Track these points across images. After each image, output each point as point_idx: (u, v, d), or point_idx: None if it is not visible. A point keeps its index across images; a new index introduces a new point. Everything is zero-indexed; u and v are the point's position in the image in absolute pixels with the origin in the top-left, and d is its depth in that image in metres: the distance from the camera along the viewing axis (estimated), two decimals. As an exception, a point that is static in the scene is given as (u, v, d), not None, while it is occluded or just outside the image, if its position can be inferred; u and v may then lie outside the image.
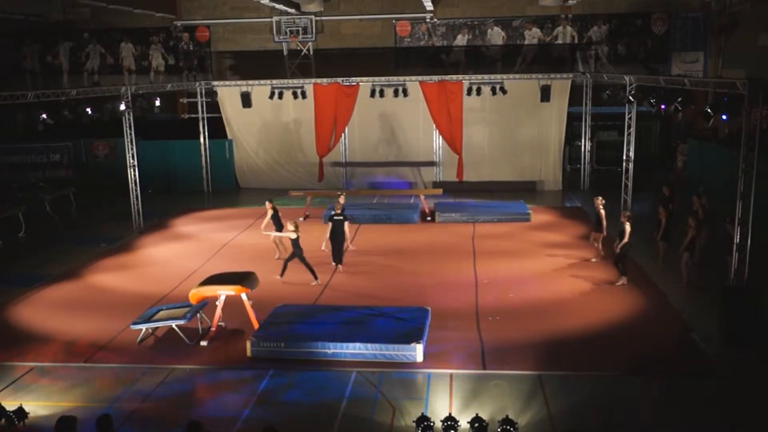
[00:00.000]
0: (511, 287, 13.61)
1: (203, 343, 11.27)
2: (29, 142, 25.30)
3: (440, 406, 9.04)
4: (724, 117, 12.62)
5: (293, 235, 13.95)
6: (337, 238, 14.98)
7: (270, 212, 15.75)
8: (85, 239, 18.11)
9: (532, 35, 23.95)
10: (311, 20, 24.82)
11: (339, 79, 23.16)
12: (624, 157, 18.27)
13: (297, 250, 14.02)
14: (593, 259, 15.20)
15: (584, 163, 23.84)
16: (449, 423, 7.93)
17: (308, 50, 25.19)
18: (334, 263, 15.08)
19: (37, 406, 9.18)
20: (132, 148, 19.05)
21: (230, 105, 24.40)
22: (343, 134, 23.93)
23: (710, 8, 23.77)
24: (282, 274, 14.22)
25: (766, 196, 11.70)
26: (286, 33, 24.91)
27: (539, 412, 8.85)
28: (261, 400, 9.47)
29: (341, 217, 15.07)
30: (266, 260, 15.70)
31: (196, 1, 25.81)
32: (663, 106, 17.20)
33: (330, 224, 15.10)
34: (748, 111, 10.83)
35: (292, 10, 24.01)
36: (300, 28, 24.87)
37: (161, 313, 11.71)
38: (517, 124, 23.53)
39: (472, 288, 13.65)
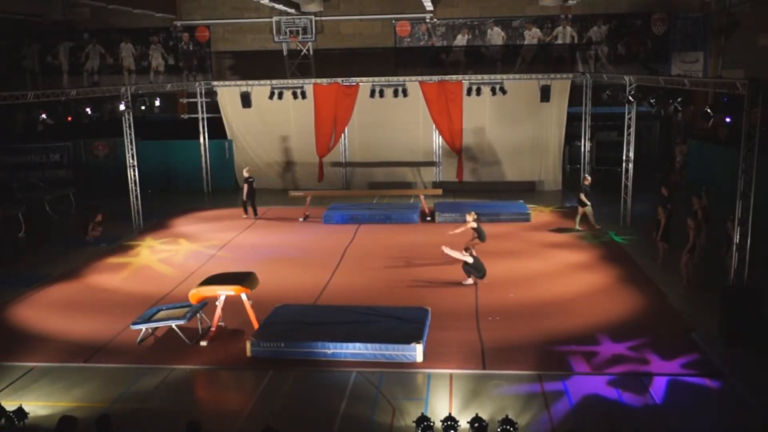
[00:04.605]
0: (511, 287, 13.62)
1: (203, 343, 11.27)
2: (29, 142, 25.29)
3: (440, 406, 9.03)
4: (727, 119, 12.60)
5: None
6: (251, 195, 19.85)
7: None
8: (85, 239, 18.08)
9: (532, 35, 23.95)
10: (311, 20, 24.81)
11: (339, 79, 23.17)
12: (624, 158, 18.26)
13: None
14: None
15: (584, 164, 23.82)
16: (449, 423, 7.93)
17: (308, 50, 25.19)
18: (254, 217, 19.85)
19: (37, 406, 9.17)
20: (132, 148, 19.04)
21: (230, 105, 24.40)
22: (342, 134, 23.95)
23: (710, 8, 23.76)
24: None
25: (766, 196, 11.71)
26: (286, 33, 24.89)
27: (539, 412, 8.85)
28: (261, 400, 9.48)
29: (252, 179, 19.97)
30: (266, 260, 15.72)
31: (195, 1, 25.79)
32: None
33: (246, 186, 19.76)
34: (747, 111, 10.82)
35: (292, 10, 24.00)
36: (300, 28, 24.85)
37: (161, 314, 11.71)
38: (517, 124, 23.52)
39: (472, 288, 13.65)
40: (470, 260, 13.69)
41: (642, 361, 10.26)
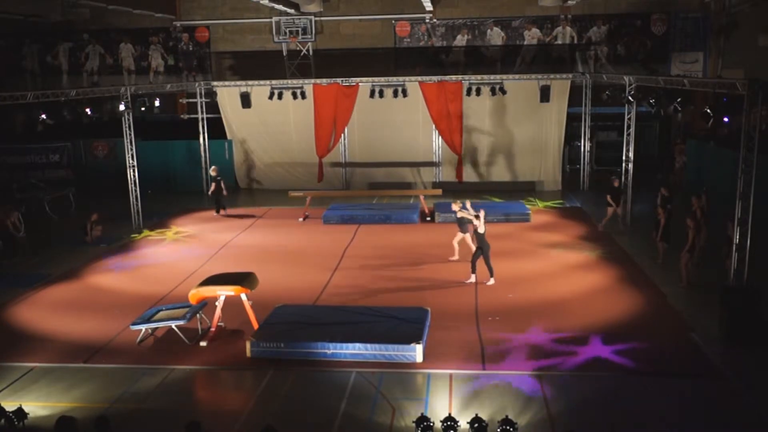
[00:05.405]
0: (511, 287, 13.62)
1: (203, 343, 11.27)
2: (28, 143, 25.28)
3: (440, 406, 9.03)
4: (725, 119, 12.59)
5: None
6: (221, 193, 20.67)
7: None
8: (85, 239, 18.09)
9: (532, 35, 23.96)
10: (311, 20, 24.81)
11: (338, 80, 23.18)
12: (624, 158, 18.25)
13: None
14: (453, 258, 15.26)
15: (584, 164, 23.85)
16: (449, 423, 7.92)
17: (308, 50, 25.19)
18: (221, 212, 20.61)
19: (37, 406, 9.18)
20: (131, 149, 19.05)
21: (230, 105, 24.41)
22: (342, 134, 23.95)
23: (710, 8, 23.78)
24: None
25: (766, 196, 11.70)
26: (285, 33, 24.89)
27: (539, 412, 8.85)
28: (261, 400, 9.48)
29: (220, 178, 20.64)
30: (266, 260, 15.72)
31: (195, 1, 25.78)
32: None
33: (214, 184, 20.48)
34: (747, 111, 10.83)
35: (292, 11, 24.01)
36: (299, 29, 24.85)
37: (161, 314, 11.71)
38: (517, 124, 23.54)
39: (472, 288, 13.66)
40: (482, 230, 13.66)
41: (641, 361, 10.25)
